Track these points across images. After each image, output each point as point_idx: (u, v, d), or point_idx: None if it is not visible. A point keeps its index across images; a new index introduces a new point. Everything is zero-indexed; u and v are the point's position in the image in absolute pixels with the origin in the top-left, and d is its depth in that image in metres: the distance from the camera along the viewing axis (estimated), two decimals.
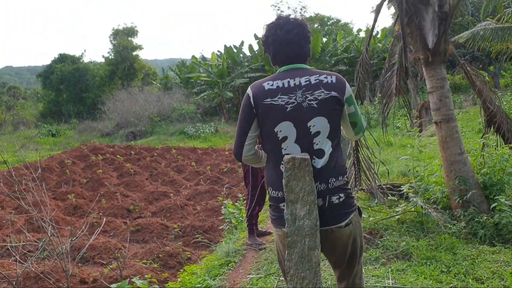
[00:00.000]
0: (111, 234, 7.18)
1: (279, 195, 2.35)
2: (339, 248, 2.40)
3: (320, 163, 2.34)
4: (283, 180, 2.19)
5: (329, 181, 2.33)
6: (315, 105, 2.36)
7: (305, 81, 2.40)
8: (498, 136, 6.20)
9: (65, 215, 8.07)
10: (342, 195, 2.35)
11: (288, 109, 2.36)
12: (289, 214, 2.15)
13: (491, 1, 14.89)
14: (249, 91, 2.50)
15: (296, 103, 2.37)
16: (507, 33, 13.59)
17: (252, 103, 2.45)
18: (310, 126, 2.36)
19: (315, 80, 2.41)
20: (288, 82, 2.41)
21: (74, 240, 4.86)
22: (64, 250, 4.33)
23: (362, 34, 31.51)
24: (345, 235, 2.36)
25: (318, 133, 2.37)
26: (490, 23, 13.78)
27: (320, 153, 2.36)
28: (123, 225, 7.54)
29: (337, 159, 2.40)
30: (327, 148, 2.37)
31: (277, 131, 2.38)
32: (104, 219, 7.23)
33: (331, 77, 2.44)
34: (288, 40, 2.48)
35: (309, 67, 2.52)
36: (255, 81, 2.55)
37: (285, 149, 2.37)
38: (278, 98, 2.38)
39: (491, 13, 16.96)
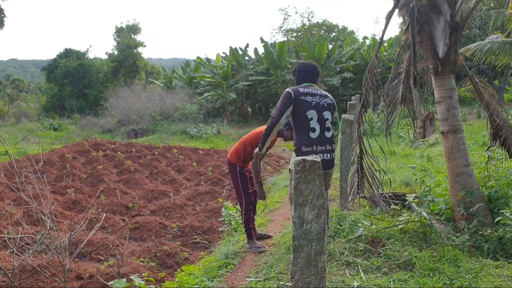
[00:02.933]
0: (109, 230, 7.13)
1: (309, 149, 4.27)
2: (328, 178, 4.45)
3: (329, 134, 4.40)
4: (293, 182, 2.15)
5: (332, 145, 4.42)
6: (326, 105, 4.46)
7: (320, 93, 4.50)
8: (503, 149, 6.15)
9: (63, 210, 8.02)
10: (333, 154, 4.44)
11: (313, 104, 4.37)
12: (297, 217, 2.10)
13: (499, 15, 14.88)
14: (289, 90, 4.40)
15: (317, 102, 4.41)
16: None
17: (292, 97, 4.33)
18: (324, 114, 4.40)
19: (324, 93, 4.53)
20: (311, 91, 4.45)
21: (73, 234, 4.81)
22: (62, 245, 4.28)
23: (367, 42, 31.46)
24: (332, 172, 4.56)
25: (327, 119, 4.42)
26: (498, 36, 13.76)
27: (329, 129, 4.42)
28: (122, 222, 7.49)
29: (333, 134, 4.47)
30: (331, 127, 4.45)
31: (307, 114, 4.32)
32: (104, 215, 7.18)
33: (330, 96, 4.60)
34: (310, 74, 4.59)
35: (316, 85, 4.60)
36: (292, 87, 4.49)
37: (311, 124, 4.32)
38: (307, 97, 4.38)
39: (500, 27, 16.94)
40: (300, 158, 2.10)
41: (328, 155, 4.31)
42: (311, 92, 4.38)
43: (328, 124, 4.37)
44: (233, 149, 5.47)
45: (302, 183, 2.10)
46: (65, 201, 8.64)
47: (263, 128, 4.88)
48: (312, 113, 4.29)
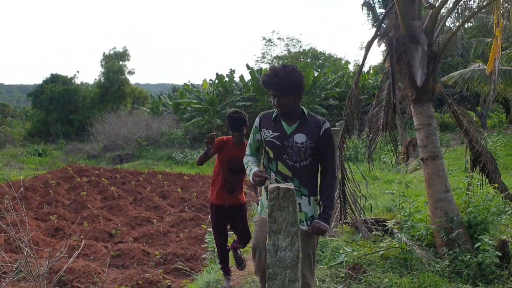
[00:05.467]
0: (91, 257, 7.04)
1: None
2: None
3: None
4: (267, 209, 2.18)
5: None
6: None
7: None
8: (483, 175, 6.25)
9: (45, 236, 7.91)
10: None
11: None
12: (271, 244, 2.12)
13: (480, 44, 15.27)
14: None
15: None
16: (494, 75, 13.86)
17: None
18: None
19: None
20: None
21: (52, 262, 4.76)
22: (41, 272, 4.23)
23: (352, 68, 31.98)
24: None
25: None
26: (480, 65, 14.08)
27: None
28: (104, 249, 7.40)
29: None
30: None
31: None
32: (83, 242, 7.10)
33: None
34: None
35: None
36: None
37: None
38: None
39: (481, 55, 17.36)
40: (274, 185, 2.15)
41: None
42: None
43: None
44: None
45: (276, 211, 2.13)
46: (47, 227, 8.53)
47: None
48: None
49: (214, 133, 4.82)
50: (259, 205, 3.58)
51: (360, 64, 6.28)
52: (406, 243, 4.95)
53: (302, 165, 3.22)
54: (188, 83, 30.85)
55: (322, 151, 3.26)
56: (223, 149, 4.78)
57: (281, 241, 2.12)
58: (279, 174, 3.23)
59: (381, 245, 5.28)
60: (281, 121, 3.31)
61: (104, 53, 35.43)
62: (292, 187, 2.17)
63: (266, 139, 3.31)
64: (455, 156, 14.76)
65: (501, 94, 17.86)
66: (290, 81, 3.18)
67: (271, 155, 3.30)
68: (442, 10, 5.71)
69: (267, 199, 3.17)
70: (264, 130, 3.35)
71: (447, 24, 6.44)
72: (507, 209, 6.07)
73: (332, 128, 7.89)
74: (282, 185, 2.14)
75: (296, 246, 2.12)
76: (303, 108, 3.37)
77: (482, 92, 15.21)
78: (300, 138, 3.23)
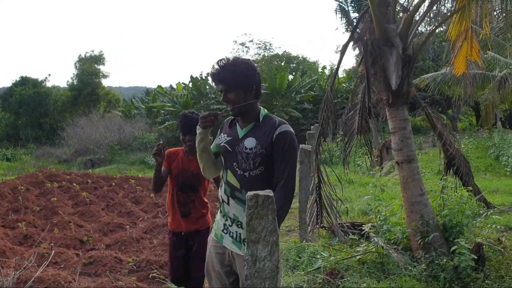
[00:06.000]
0: (62, 266, 6.82)
1: None
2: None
3: None
4: (245, 218, 2.10)
5: None
6: None
7: None
8: (456, 178, 6.32)
9: (13, 245, 7.64)
10: None
11: None
12: (250, 255, 2.04)
13: (449, 52, 15.51)
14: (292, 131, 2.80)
15: None
16: (465, 78, 14.16)
17: None
18: None
19: None
20: None
21: (20, 272, 4.58)
22: (7, 283, 4.06)
23: (326, 72, 32.19)
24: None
25: None
26: (451, 67, 14.31)
27: None
28: (75, 256, 7.19)
29: None
30: None
31: None
32: (53, 250, 6.88)
33: None
34: None
35: None
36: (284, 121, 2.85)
37: None
38: None
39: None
40: (252, 193, 2.07)
41: None
42: None
43: None
44: None
45: (255, 219, 2.05)
46: (15, 235, 8.25)
47: None
48: None
49: (161, 142, 4.05)
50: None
51: (336, 67, 6.28)
52: (382, 247, 4.93)
53: (251, 175, 2.73)
54: (164, 87, 30.56)
55: (275, 157, 2.70)
56: (173, 162, 4.14)
57: (260, 251, 2.04)
58: (228, 185, 2.81)
59: (358, 249, 5.26)
60: (237, 123, 2.90)
61: (80, 55, 34.96)
62: (271, 194, 2.09)
63: (220, 145, 2.90)
64: (428, 159, 14.96)
65: (472, 97, 18.22)
66: (237, 72, 2.72)
67: (223, 162, 2.92)
68: (416, 14, 5.75)
69: (221, 213, 2.93)
70: (221, 134, 2.97)
71: (419, 28, 6.49)
72: (481, 211, 6.13)
73: (308, 132, 7.83)
74: (261, 192, 2.06)
75: (275, 255, 2.04)
76: (263, 109, 2.89)
77: (455, 95, 15.51)
78: (250, 142, 2.74)
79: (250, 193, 2.09)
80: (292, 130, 2.77)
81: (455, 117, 26.48)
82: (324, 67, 34.18)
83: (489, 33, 6.03)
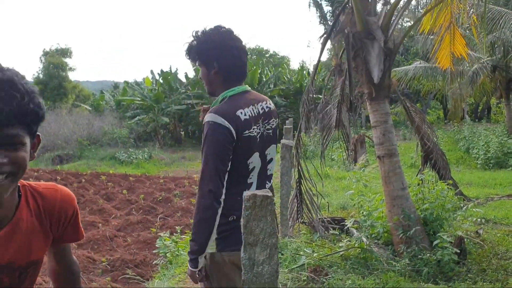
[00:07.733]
0: None
1: (236, 216, 2.25)
2: None
3: (268, 186, 2.43)
4: (242, 220, 1.95)
5: None
6: (271, 134, 2.39)
7: (261, 109, 2.35)
8: (434, 172, 6.33)
9: None
10: None
11: (258, 140, 2.29)
12: (247, 258, 1.90)
13: (423, 46, 15.70)
14: (225, 123, 2.16)
15: (260, 132, 2.31)
16: (436, 72, 14.38)
17: (235, 137, 2.19)
18: (267, 154, 2.38)
19: (266, 107, 2.38)
20: (253, 109, 2.29)
21: None
22: None
23: (296, 67, 32.26)
24: None
25: (271, 160, 2.42)
26: (421, 62, 14.52)
27: (271, 178, 2.45)
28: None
29: (271, 185, 2.53)
30: (272, 175, 2.46)
31: (249, 163, 2.28)
32: None
33: (271, 103, 2.46)
34: (242, 55, 2.32)
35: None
36: (219, 109, 2.23)
37: (250, 179, 2.32)
38: (252, 129, 2.26)
39: (423, 56, 17.96)
40: (249, 193, 1.92)
41: None
42: (253, 114, 2.29)
43: (271, 167, 2.45)
44: None
45: (252, 221, 1.91)
46: None
47: None
48: (255, 158, 2.31)
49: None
50: None
51: (317, 60, 6.18)
52: (365, 243, 4.88)
53: None
54: (132, 81, 30.01)
55: None
56: None
57: (258, 254, 1.90)
58: None
59: (340, 245, 5.18)
60: None
61: (44, 49, 33.96)
62: (270, 194, 1.95)
63: None
64: (400, 152, 15.07)
65: (440, 91, 18.53)
66: (195, 46, 2.32)
67: None
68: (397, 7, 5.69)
69: None
70: None
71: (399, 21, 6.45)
72: (462, 205, 6.15)
73: (285, 126, 7.73)
74: (259, 192, 1.92)
75: (274, 259, 1.91)
76: (231, 90, 2.32)
77: (424, 89, 15.73)
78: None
79: (247, 193, 1.95)
80: (214, 118, 2.18)
81: (424, 110, 26.91)
82: (302, 66, 34.18)
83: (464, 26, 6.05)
